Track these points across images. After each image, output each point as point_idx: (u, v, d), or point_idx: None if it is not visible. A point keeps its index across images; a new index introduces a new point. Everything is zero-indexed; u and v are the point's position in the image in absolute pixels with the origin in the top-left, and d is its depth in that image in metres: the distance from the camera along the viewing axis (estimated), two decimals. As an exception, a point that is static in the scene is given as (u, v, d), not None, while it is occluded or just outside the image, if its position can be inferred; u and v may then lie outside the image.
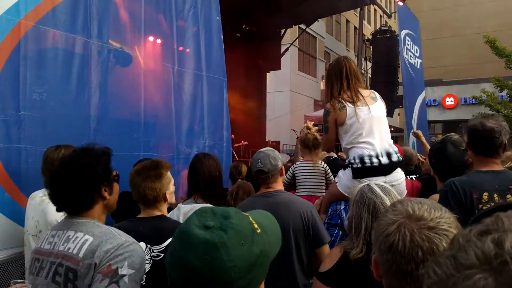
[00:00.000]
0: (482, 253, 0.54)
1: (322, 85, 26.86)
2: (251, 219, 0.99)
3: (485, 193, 2.35)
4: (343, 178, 3.03)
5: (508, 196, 2.34)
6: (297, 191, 3.85)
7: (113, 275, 1.54)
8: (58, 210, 1.76)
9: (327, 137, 3.16)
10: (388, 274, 1.06)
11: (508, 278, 0.50)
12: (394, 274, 1.04)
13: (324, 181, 3.85)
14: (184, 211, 2.66)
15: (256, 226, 0.96)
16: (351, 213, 1.97)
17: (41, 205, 2.65)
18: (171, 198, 2.33)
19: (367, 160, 2.89)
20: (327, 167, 3.93)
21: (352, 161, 2.95)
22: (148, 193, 2.20)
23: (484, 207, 2.31)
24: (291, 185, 3.95)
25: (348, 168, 2.99)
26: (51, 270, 1.63)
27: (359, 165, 2.90)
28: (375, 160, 2.90)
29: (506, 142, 2.42)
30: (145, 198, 2.21)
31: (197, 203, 2.72)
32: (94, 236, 1.63)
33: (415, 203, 1.10)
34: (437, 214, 1.07)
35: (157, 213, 2.25)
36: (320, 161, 3.96)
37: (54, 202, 1.76)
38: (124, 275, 1.54)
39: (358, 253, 1.84)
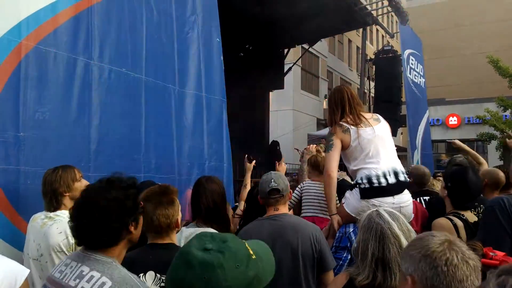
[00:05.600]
0: None
1: (325, 104, 26.90)
2: (247, 245, 1.07)
3: None
4: (350, 199, 3.00)
5: None
6: (302, 211, 3.78)
7: None
8: (79, 244, 1.65)
9: (330, 153, 3.09)
10: (438, 286, 1.20)
11: None
12: (447, 285, 1.18)
13: None
14: (185, 235, 2.61)
15: (251, 252, 1.05)
16: (358, 238, 1.94)
17: (42, 228, 2.59)
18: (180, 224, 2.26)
19: (374, 180, 2.87)
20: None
21: (360, 181, 2.93)
22: (162, 221, 2.08)
23: None
24: (298, 206, 3.90)
25: (356, 188, 2.96)
26: None
27: (367, 186, 2.88)
28: (382, 180, 2.88)
29: None
30: (159, 226, 2.09)
31: (198, 227, 2.67)
32: (113, 281, 1.48)
33: (445, 233, 1.32)
34: (465, 245, 1.28)
35: (168, 241, 2.15)
36: None
37: (76, 237, 1.65)
38: None
39: (365, 280, 1.80)
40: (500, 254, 1.47)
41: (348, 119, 3.06)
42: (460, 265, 1.18)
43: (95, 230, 1.56)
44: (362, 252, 1.86)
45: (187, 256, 1.00)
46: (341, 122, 3.07)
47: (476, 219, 2.93)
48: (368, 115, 3.14)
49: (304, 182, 3.95)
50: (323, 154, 4.02)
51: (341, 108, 3.13)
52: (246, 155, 4.32)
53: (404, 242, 1.78)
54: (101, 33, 3.46)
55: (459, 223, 2.80)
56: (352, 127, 3.00)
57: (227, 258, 0.99)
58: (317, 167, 3.88)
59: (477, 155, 4.93)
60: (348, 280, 1.89)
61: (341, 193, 3.73)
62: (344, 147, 3.04)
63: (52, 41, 3.13)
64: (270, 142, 14.59)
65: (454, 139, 5.40)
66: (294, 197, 3.83)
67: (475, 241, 1.53)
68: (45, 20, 3.10)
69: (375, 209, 1.97)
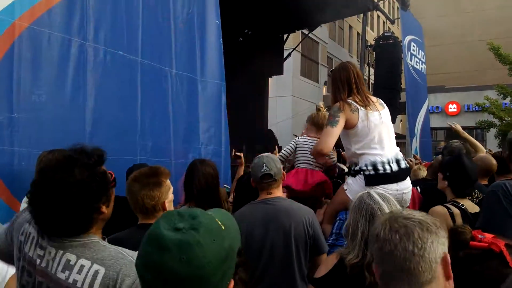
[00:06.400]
0: None
1: (324, 91, 26.84)
2: (214, 217, 1.04)
3: None
4: (354, 185, 2.95)
5: None
6: (295, 163, 3.77)
7: None
8: (45, 233, 1.44)
9: (332, 130, 2.91)
10: (379, 262, 1.22)
11: None
12: (381, 260, 1.21)
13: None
14: None
15: (220, 223, 1.01)
16: (349, 219, 2.00)
17: None
18: (170, 206, 2.24)
19: (380, 167, 2.86)
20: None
21: (364, 168, 2.89)
22: (147, 202, 2.10)
23: None
24: (289, 159, 3.93)
25: (359, 175, 2.93)
26: None
27: (372, 172, 2.86)
28: (387, 167, 2.87)
29: None
30: (143, 207, 2.11)
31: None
32: (105, 266, 1.34)
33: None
34: (411, 212, 1.24)
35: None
36: None
37: (39, 226, 1.44)
38: None
39: (354, 258, 1.86)
40: (488, 236, 1.48)
41: (357, 99, 2.96)
42: (386, 236, 1.18)
43: (59, 220, 1.37)
44: (352, 232, 1.93)
45: (159, 239, 0.93)
46: (349, 101, 2.97)
47: (477, 209, 2.92)
48: (373, 99, 3.07)
49: (300, 137, 3.92)
50: (324, 111, 3.94)
51: (348, 87, 3.02)
52: (234, 152, 4.28)
53: None
54: (96, 14, 3.41)
55: (456, 211, 2.80)
56: (362, 108, 2.92)
57: (202, 234, 0.95)
58: (316, 124, 3.85)
59: (475, 142, 4.90)
60: (338, 260, 1.94)
61: (333, 177, 3.75)
62: (348, 127, 2.94)
63: (46, 21, 3.09)
64: (267, 129, 14.57)
65: (455, 124, 5.32)
66: (288, 149, 3.83)
67: (464, 225, 1.53)
68: (39, 0, 3.05)
69: (366, 191, 2.00)
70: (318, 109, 4.03)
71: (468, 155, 3.14)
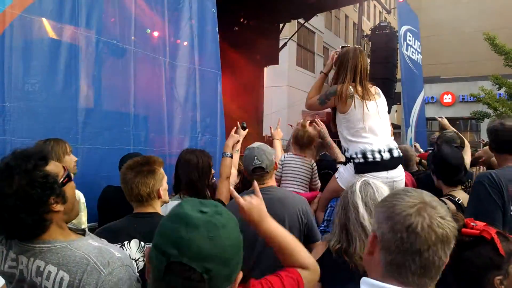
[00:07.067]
0: None
1: (320, 81, 26.72)
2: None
3: None
4: (345, 173, 3.01)
5: None
6: (281, 185, 3.69)
7: None
8: (7, 237, 1.48)
9: (319, 107, 3.22)
10: (395, 251, 1.13)
11: None
12: (403, 252, 1.12)
13: (309, 179, 3.71)
14: (170, 208, 2.61)
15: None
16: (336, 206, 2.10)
17: None
18: (165, 195, 2.25)
19: (369, 155, 2.89)
20: (315, 166, 3.78)
21: (354, 156, 2.93)
22: (142, 189, 2.09)
23: None
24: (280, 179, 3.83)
25: (350, 163, 2.97)
26: None
27: (362, 160, 2.90)
28: (377, 155, 2.90)
29: None
30: (139, 194, 2.10)
31: (182, 199, 2.67)
32: (69, 272, 1.36)
33: (426, 194, 1.19)
34: (443, 210, 1.16)
35: (151, 210, 2.16)
36: (310, 158, 3.83)
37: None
38: None
39: (336, 244, 1.93)
40: (480, 224, 1.49)
41: (356, 88, 3.01)
42: (423, 233, 1.08)
43: (11, 226, 1.38)
44: (334, 219, 2.03)
45: (187, 218, 1.00)
46: (350, 86, 3.01)
47: None
48: (372, 89, 3.11)
49: (285, 155, 3.79)
50: (308, 128, 3.87)
51: (352, 76, 3.05)
52: (239, 122, 4.08)
53: (362, 212, 1.88)
54: (88, 2, 3.37)
55: (452, 206, 2.81)
56: (358, 97, 2.97)
57: (226, 218, 1.03)
58: (298, 142, 3.73)
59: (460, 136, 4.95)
60: (327, 247, 1.99)
61: (323, 168, 3.73)
62: (340, 111, 3.03)
63: (37, 9, 3.05)
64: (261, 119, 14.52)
65: (442, 117, 5.38)
66: (278, 172, 3.67)
67: (457, 212, 1.54)
68: (30, -13, 3.01)
69: (362, 179, 2.04)
70: (303, 125, 3.83)
71: (450, 144, 3.14)
